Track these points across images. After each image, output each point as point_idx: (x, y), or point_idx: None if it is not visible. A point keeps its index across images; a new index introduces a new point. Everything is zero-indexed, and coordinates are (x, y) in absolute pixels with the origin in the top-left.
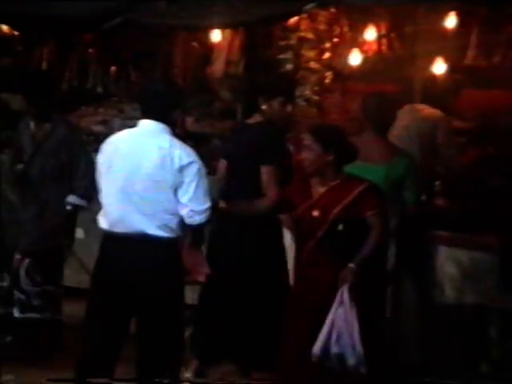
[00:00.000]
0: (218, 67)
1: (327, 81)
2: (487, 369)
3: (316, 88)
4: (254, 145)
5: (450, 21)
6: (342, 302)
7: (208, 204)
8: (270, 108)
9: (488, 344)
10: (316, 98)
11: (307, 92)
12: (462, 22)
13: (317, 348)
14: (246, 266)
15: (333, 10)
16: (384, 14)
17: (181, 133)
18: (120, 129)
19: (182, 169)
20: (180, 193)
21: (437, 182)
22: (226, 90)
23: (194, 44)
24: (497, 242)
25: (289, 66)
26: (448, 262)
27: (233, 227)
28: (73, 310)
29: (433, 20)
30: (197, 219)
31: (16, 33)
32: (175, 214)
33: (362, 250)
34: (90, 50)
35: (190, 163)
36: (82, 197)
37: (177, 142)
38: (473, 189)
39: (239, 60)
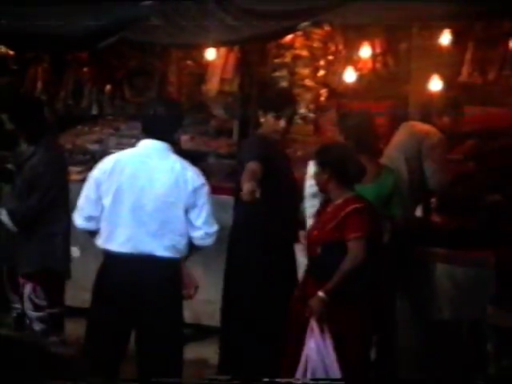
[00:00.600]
0: (212, 85)
1: (322, 98)
2: None
3: (311, 106)
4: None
5: (445, 38)
6: (311, 335)
7: (216, 226)
8: (264, 122)
9: (484, 360)
10: (311, 115)
11: (302, 110)
12: (456, 40)
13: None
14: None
15: (327, 27)
16: (378, 32)
17: (176, 151)
18: (116, 147)
19: (195, 190)
20: (193, 215)
21: (433, 199)
22: (221, 108)
23: (189, 62)
24: (492, 258)
25: (284, 84)
26: (444, 278)
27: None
28: (69, 328)
29: (427, 37)
30: (208, 241)
31: (11, 52)
32: (184, 235)
33: (333, 277)
34: (85, 69)
35: (203, 185)
36: (11, 216)
37: (187, 164)
38: (469, 205)
39: (234, 78)
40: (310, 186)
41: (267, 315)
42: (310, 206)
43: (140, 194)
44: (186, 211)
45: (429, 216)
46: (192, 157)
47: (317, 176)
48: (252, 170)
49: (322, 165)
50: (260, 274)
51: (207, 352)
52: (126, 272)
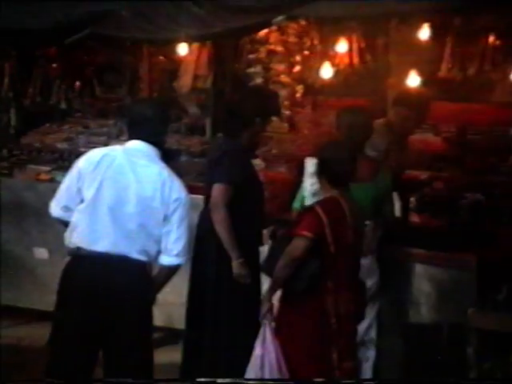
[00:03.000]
0: (185, 81)
1: (298, 95)
2: None
3: (287, 102)
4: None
5: (424, 32)
6: (259, 338)
7: (185, 258)
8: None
9: (465, 363)
10: (287, 112)
11: None
12: (435, 34)
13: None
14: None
15: (303, 22)
16: (355, 26)
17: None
18: (85, 146)
19: (177, 201)
20: (167, 228)
21: (412, 198)
22: (194, 105)
23: (161, 58)
24: (473, 259)
25: (258, 80)
26: (424, 280)
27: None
28: (37, 333)
29: (406, 32)
30: (174, 262)
31: None
32: (158, 242)
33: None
34: (54, 65)
35: (185, 198)
36: None
37: (172, 172)
38: (449, 205)
39: (207, 74)
40: (310, 184)
41: (232, 317)
42: None
43: (123, 193)
44: (163, 220)
45: (407, 215)
46: (163, 155)
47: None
48: (224, 202)
49: (317, 163)
50: (225, 275)
51: (180, 356)
52: (98, 271)
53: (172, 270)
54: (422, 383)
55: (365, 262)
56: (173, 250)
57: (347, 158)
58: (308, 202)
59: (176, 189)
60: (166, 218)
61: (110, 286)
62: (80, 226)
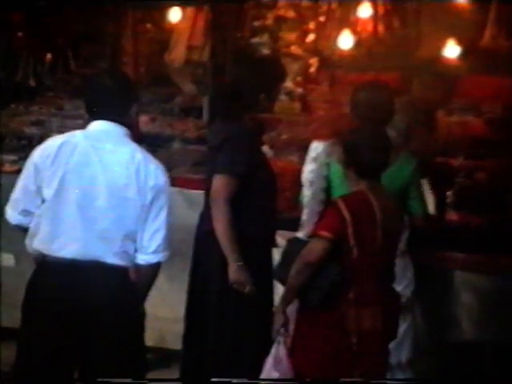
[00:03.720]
0: (178, 54)
1: (312, 69)
2: None
3: (299, 78)
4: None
5: None
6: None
7: (167, 253)
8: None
9: None
10: (299, 90)
11: (288, 83)
12: None
13: None
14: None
15: None
16: None
17: (133, 135)
18: (59, 130)
19: (155, 188)
20: (145, 219)
21: (448, 193)
22: (189, 82)
23: (149, 26)
24: None
25: (265, 52)
26: (464, 289)
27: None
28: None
29: None
30: (151, 260)
31: None
32: (135, 238)
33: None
34: (19, 34)
35: (165, 184)
36: None
37: (148, 154)
38: (494, 199)
39: (204, 45)
40: (309, 171)
41: (240, 333)
42: (309, 196)
43: (90, 186)
44: (145, 210)
45: (443, 213)
46: (152, 141)
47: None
48: (224, 197)
49: (342, 149)
50: (231, 287)
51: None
52: (66, 282)
53: (152, 270)
54: None
55: None
56: (150, 247)
57: (378, 146)
58: (306, 191)
59: (152, 173)
60: (141, 209)
61: (82, 298)
62: (42, 231)
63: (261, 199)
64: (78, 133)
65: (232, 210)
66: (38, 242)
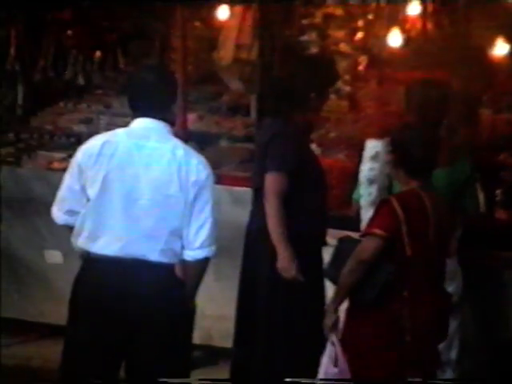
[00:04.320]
0: (226, 52)
1: (361, 67)
2: None
3: (347, 76)
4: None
5: None
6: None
7: (214, 247)
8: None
9: None
10: (347, 88)
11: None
12: None
13: None
14: None
15: None
16: None
17: (180, 133)
18: (107, 128)
19: (198, 183)
20: (187, 217)
21: (497, 191)
22: (237, 80)
23: (197, 24)
24: None
25: (313, 50)
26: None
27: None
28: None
29: None
30: (198, 256)
31: None
32: (181, 235)
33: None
34: (69, 32)
35: (209, 177)
36: None
37: (190, 149)
38: None
39: (252, 43)
40: (368, 169)
41: (291, 330)
42: (367, 194)
43: (133, 185)
44: (189, 208)
45: (493, 211)
46: (200, 139)
47: (388, 161)
48: (276, 193)
49: (391, 148)
50: (282, 282)
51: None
52: (111, 279)
53: (199, 266)
54: None
55: None
56: (195, 242)
57: (429, 143)
58: (364, 190)
59: (194, 168)
60: (185, 206)
61: (126, 295)
62: (86, 229)
63: (311, 196)
64: (120, 131)
65: (283, 207)
66: (82, 241)
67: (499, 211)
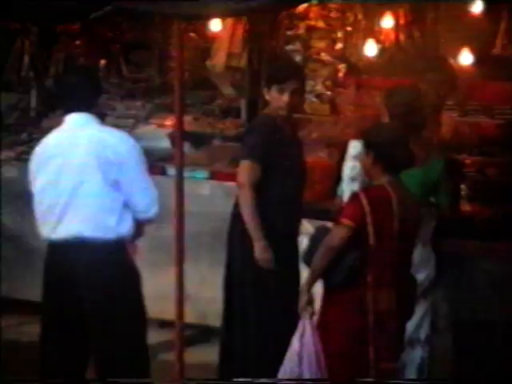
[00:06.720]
0: (218, 60)
1: (340, 74)
2: None
3: (328, 82)
4: None
5: (476, 6)
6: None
7: (155, 192)
8: (270, 99)
9: None
10: (328, 93)
11: (318, 87)
12: (489, 7)
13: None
14: None
15: None
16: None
17: (177, 133)
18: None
19: (118, 158)
20: (124, 186)
21: (463, 186)
22: (228, 86)
23: (192, 35)
24: None
25: (297, 58)
26: (477, 274)
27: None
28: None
29: (456, 5)
30: (150, 213)
31: None
32: (114, 210)
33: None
34: (77, 42)
35: (129, 150)
36: None
37: (108, 128)
38: (504, 192)
39: (242, 52)
40: (350, 167)
41: (267, 310)
42: (349, 191)
43: (61, 173)
44: (116, 182)
45: (458, 204)
46: (195, 139)
47: (362, 159)
48: (247, 181)
49: (367, 147)
50: (258, 268)
51: (212, 355)
52: (61, 261)
53: (142, 225)
54: None
55: (416, 253)
56: (136, 206)
57: (404, 141)
58: (346, 186)
59: (112, 146)
60: (117, 180)
61: (76, 273)
62: (40, 219)
63: (285, 188)
64: (54, 130)
65: (257, 198)
66: (39, 229)
67: (464, 204)
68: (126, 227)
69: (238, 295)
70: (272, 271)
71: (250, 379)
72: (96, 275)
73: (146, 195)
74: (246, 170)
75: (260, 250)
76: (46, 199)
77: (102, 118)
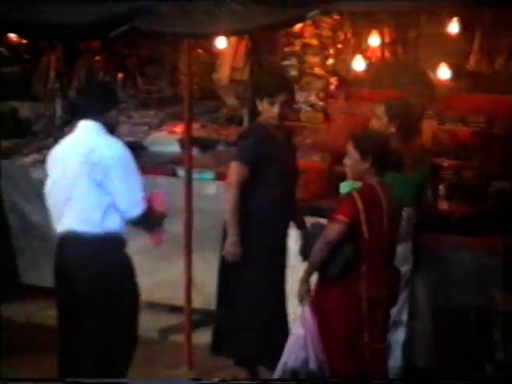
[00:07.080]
0: (223, 74)
1: (332, 86)
2: (491, 370)
3: (321, 94)
4: None
5: (453, 26)
6: (298, 321)
7: (139, 195)
8: (261, 109)
9: (492, 346)
10: (321, 103)
11: (312, 98)
12: (464, 27)
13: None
14: None
15: (336, 16)
16: (387, 20)
17: (186, 139)
18: (128, 135)
19: (103, 162)
20: (110, 188)
21: (440, 186)
22: (232, 96)
23: (200, 51)
24: (500, 244)
25: (293, 72)
26: (453, 265)
27: None
28: None
29: (436, 25)
30: (133, 213)
31: (24, 41)
32: (99, 208)
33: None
34: (97, 58)
35: (114, 157)
36: None
37: (103, 137)
38: (477, 192)
39: (244, 66)
40: None
41: (259, 300)
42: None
43: (61, 173)
44: (101, 183)
45: (436, 203)
46: (202, 144)
47: (355, 163)
48: (235, 181)
49: (363, 153)
50: (250, 260)
51: None
52: (60, 253)
53: (132, 223)
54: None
55: (400, 249)
56: (119, 206)
57: (395, 148)
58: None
59: (100, 150)
60: (100, 183)
61: (68, 264)
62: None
63: (277, 189)
64: (67, 137)
65: (248, 197)
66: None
67: (442, 202)
68: (112, 223)
69: (228, 279)
70: (259, 259)
71: (249, 379)
72: (86, 266)
73: (128, 197)
74: (234, 170)
75: (230, 243)
76: (52, 198)
77: (113, 126)
